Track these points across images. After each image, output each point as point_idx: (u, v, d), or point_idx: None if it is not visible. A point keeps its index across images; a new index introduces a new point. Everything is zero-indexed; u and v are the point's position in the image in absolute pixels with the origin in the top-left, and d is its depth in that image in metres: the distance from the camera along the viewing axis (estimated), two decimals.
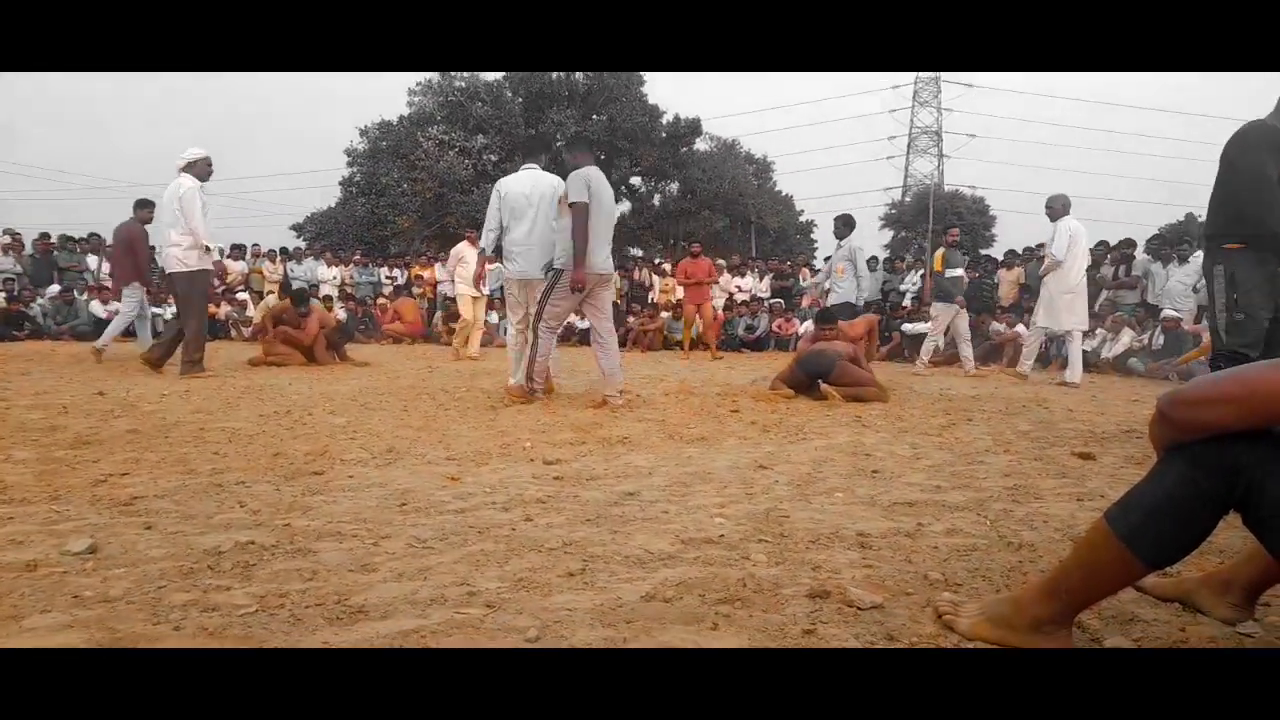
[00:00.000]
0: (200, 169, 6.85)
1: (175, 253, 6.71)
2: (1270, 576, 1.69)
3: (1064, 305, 7.84)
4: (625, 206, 27.28)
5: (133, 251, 8.23)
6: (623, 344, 13.35)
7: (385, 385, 6.49)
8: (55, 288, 13.62)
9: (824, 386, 5.65)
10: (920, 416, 5.12)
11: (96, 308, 13.21)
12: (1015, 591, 1.71)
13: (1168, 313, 9.76)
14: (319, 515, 2.52)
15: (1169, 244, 12.00)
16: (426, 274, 15.81)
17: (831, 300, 8.66)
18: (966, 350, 9.32)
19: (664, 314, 13.76)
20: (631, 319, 13.88)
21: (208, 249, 6.72)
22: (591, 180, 5.19)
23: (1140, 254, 11.82)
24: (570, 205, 5.16)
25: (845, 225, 8.71)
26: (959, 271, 9.41)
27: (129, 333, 8.70)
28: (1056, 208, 7.87)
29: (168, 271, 6.90)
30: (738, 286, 14.92)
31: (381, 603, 1.77)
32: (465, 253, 10.05)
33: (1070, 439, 4.30)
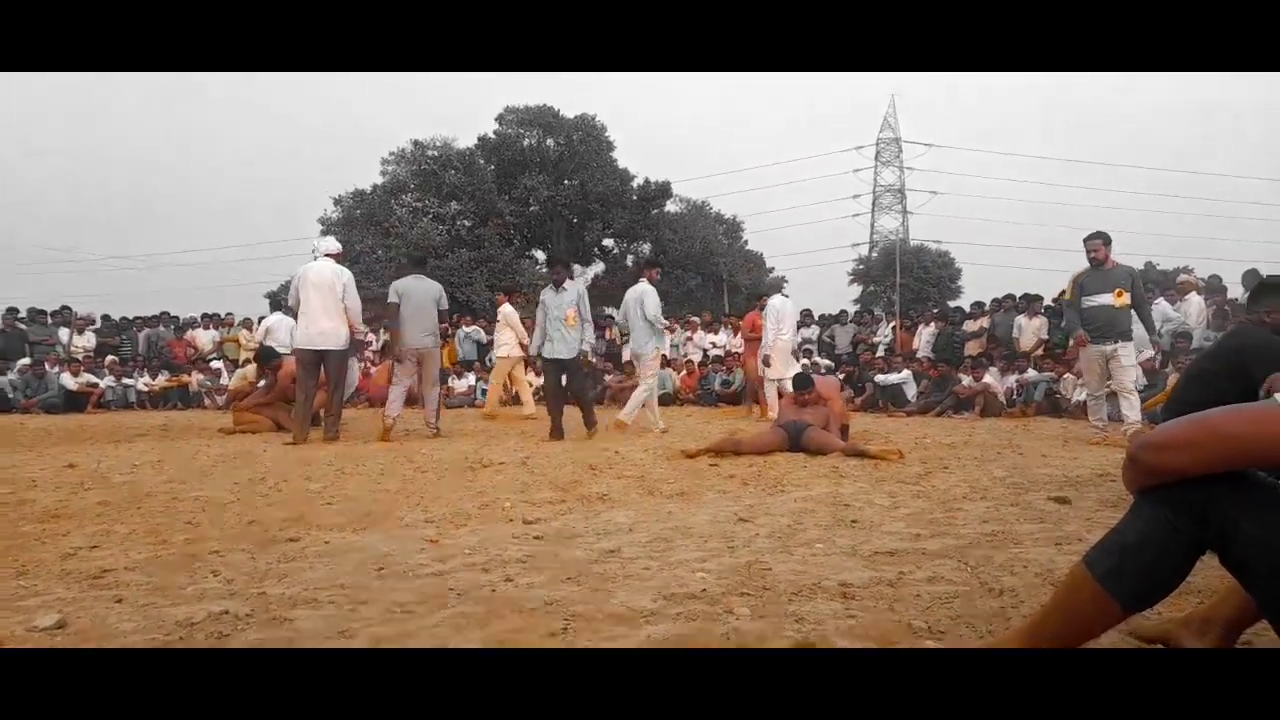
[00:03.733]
0: (339, 258, 7.72)
1: (334, 333, 7.37)
2: (1249, 614, 1.70)
3: (778, 360, 9.34)
4: (599, 268, 27.50)
5: None
6: (599, 401, 13.34)
7: (361, 450, 6.43)
8: (25, 360, 13.44)
9: (870, 450, 5.68)
10: (897, 465, 5.14)
11: (67, 379, 13.04)
12: (998, 637, 1.71)
13: (1146, 354, 9.92)
14: (295, 582, 2.48)
15: None
16: None
17: (557, 354, 7.41)
18: (1126, 406, 6.87)
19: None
20: (609, 377, 13.89)
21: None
22: (399, 288, 7.66)
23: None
24: (386, 306, 7.80)
25: (566, 268, 8.10)
26: (1104, 299, 6.79)
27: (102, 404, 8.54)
28: (765, 288, 10.03)
29: (323, 349, 7.37)
30: (712, 343, 15.01)
31: None
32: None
33: (1045, 484, 4.34)
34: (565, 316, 7.36)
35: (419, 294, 7.70)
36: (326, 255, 7.55)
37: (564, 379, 7.60)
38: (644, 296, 8.17)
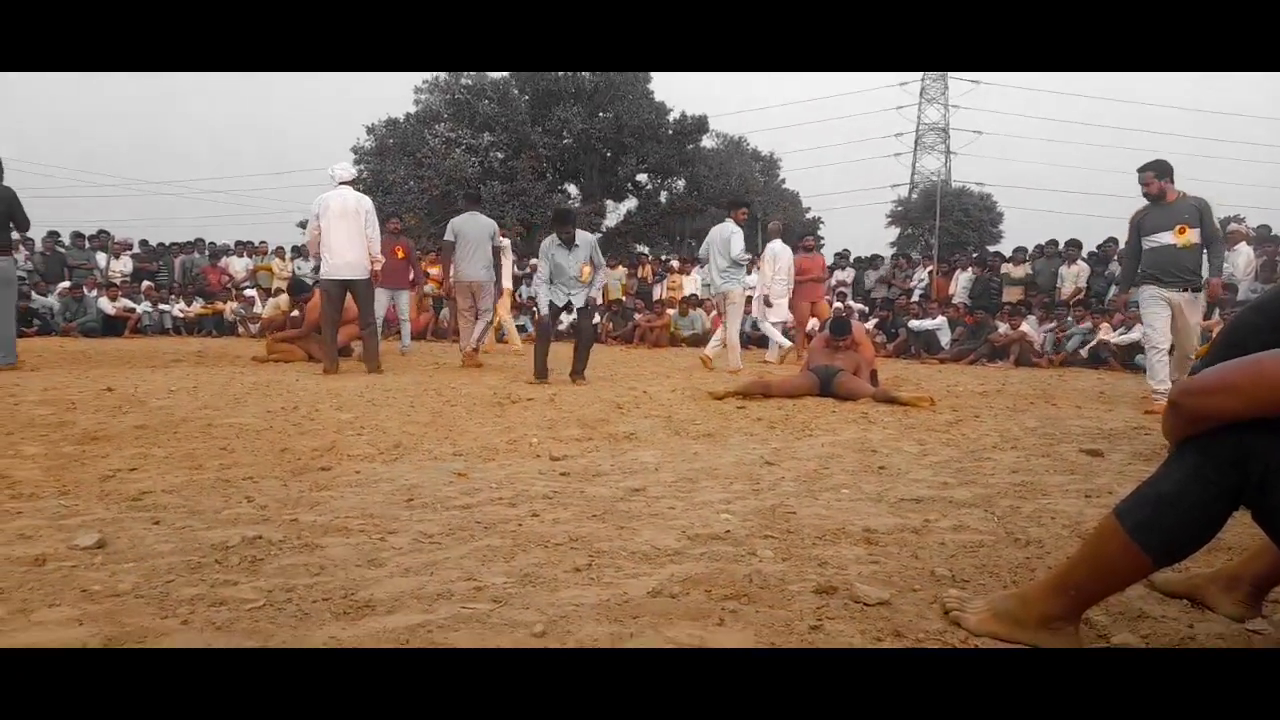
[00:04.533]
0: (355, 184, 7.68)
1: (359, 263, 7.33)
2: (1278, 573, 1.68)
3: (773, 306, 9.86)
4: (631, 204, 27.25)
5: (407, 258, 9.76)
6: (629, 340, 13.37)
7: (391, 381, 6.50)
8: (65, 284, 13.68)
9: (900, 395, 5.62)
10: (927, 413, 5.10)
11: (105, 304, 13.27)
12: (1023, 588, 1.70)
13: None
14: (326, 510, 2.53)
15: None
16: (434, 270, 15.77)
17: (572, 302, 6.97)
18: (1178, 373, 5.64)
19: (670, 310, 13.75)
20: (639, 316, 13.87)
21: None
22: (455, 226, 8.23)
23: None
24: (441, 242, 8.84)
25: (573, 224, 7.08)
26: (1164, 238, 5.74)
27: (139, 328, 8.68)
28: (767, 234, 10.22)
29: (349, 279, 7.35)
30: (747, 285, 14.90)
31: (388, 597, 1.77)
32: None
33: (1078, 436, 4.29)
34: (580, 274, 6.87)
35: (474, 231, 8.18)
36: (342, 183, 7.45)
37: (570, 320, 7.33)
38: (731, 237, 8.27)
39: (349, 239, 7.24)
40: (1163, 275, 5.73)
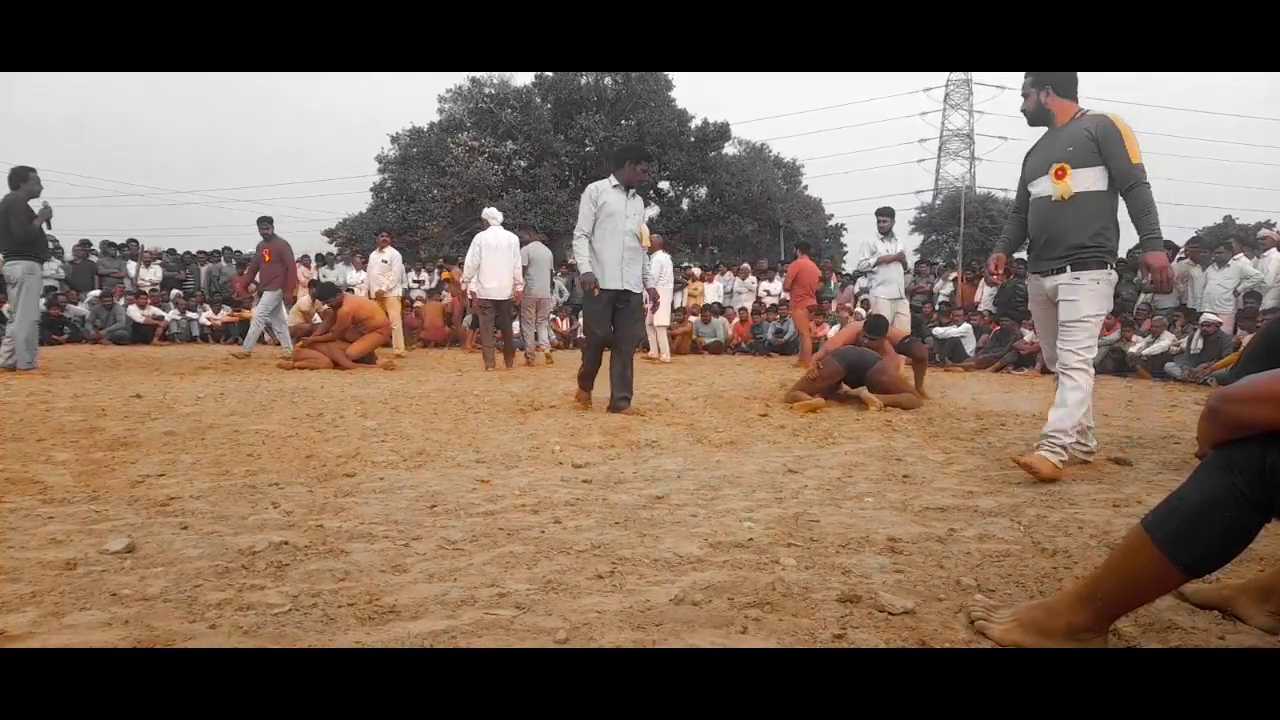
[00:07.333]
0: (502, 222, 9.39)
1: (507, 286, 9.01)
2: None
3: (664, 306, 10.85)
4: (653, 211, 27.31)
5: (282, 261, 9.81)
6: (649, 347, 13.36)
7: (414, 389, 6.54)
8: (95, 292, 13.89)
9: (864, 394, 5.56)
10: (952, 422, 5.06)
11: (134, 312, 13.45)
12: (1050, 598, 1.69)
13: (1208, 317, 9.48)
14: (351, 516, 2.55)
15: (1208, 247, 11.71)
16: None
17: (627, 284, 5.20)
18: (1057, 405, 3.53)
19: (691, 318, 13.74)
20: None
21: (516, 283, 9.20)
22: (528, 252, 9.57)
23: (1178, 257, 11.58)
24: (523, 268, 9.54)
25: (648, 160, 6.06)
26: (1041, 186, 3.52)
27: (167, 336, 8.78)
28: (651, 245, 10.68)
29: (499, 299, 9.00)
30: (766, 290, 14.87)
31: (412, 603, 1.78)
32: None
33: (1105, 444, 4.22)
34: (640, 231, 5.22)
35: (541, 257, 9.96)
36: (500, 225, 9.08)
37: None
38: (862, 245, 9.20)
39: (498, 268, 8.91)
40: (1035, 247, 3.63)
